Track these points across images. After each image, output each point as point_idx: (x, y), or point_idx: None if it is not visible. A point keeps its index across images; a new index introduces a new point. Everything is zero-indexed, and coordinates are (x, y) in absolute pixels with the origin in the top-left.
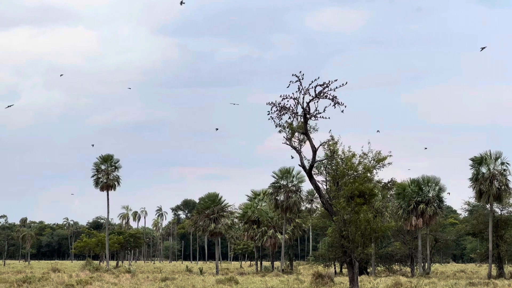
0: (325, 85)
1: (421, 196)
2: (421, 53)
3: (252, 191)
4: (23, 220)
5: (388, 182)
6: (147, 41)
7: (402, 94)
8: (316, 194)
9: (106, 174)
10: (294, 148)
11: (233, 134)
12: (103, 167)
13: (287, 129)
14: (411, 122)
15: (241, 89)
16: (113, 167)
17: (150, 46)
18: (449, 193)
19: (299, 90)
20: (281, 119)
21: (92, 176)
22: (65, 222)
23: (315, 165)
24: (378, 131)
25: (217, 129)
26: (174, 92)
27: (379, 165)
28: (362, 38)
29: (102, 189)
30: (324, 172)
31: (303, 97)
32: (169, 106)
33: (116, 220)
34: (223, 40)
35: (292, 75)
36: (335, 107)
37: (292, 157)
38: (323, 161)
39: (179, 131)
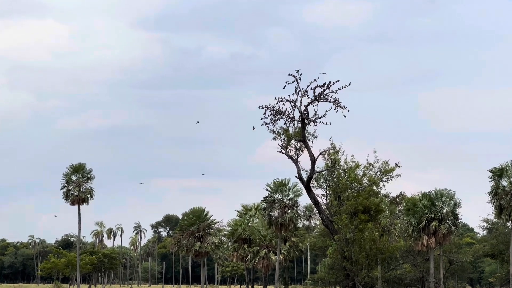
0: (325, 86)
1: (434, 212)
2: (434, 51)
3: (242, 206)
4: None
5: (397, 196)
6: (126, 36)
7: (412, 97)
8: (315, 209)
9: (77, 186)
10: (290, 157)
11: (221, 142)
12: (74, 178)
13: (283, 136)
14: (422, 129)
15: (231, 91)
16: (85, 178)
17: (129, 41)
18: None
19: (296, 92)
20: (276, 124)
21: (62, 188)
22: (30, 240)
23: (314, 177)
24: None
25: (198, 121)
26: (155, 93)
27: (386, 177)
28: (368, 33)
29: (72, 203)
30: (324, 184)
31: (301, 100)
32: (149, 109)
33: (89, 238)
34: (211, 35)
35: (289, 75)
36: (337, 111)
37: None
38: (323, 172)
39: (161, 138)
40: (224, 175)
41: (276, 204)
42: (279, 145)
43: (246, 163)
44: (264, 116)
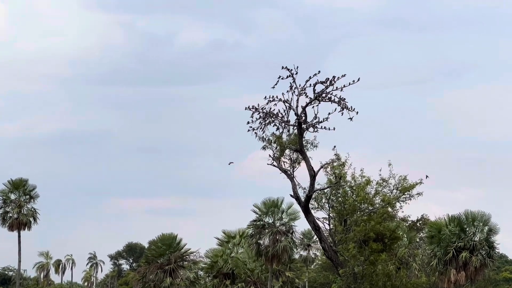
0: (328, 83)
1: (464, 240)
2: (464, 40)
3: (224, 233)
4: None
5: (417, 220)
6: (79, 19)
7: (438, 97)
8: (315, 236)
9: (17, 207)
10: (284, 171)
11: (198, 152)
12: (13, 196)
13: (274, 145)
14: (450, 136)
15: (211, 88)
16: (27, 197)
17: (83, 26)
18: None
19: (291, 89)
20: (266, 130)
21: None
22: None
23: (313, 196)
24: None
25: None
26: (116, 91)
27: (404, 196)
28: (381, 17)
29: (11, 228)
30: (327, 205)
31: (298, 100)
32: (109, 111)
33: (32, 272)
34: (186, 18)
35: (282, 68)
36: (342, 114)
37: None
38: (325, 190)
39: (123, 147)
40: (202, 194)
41: (267, 230)
42: (270, 156)
43: (228, 179)
44: (252, 120)
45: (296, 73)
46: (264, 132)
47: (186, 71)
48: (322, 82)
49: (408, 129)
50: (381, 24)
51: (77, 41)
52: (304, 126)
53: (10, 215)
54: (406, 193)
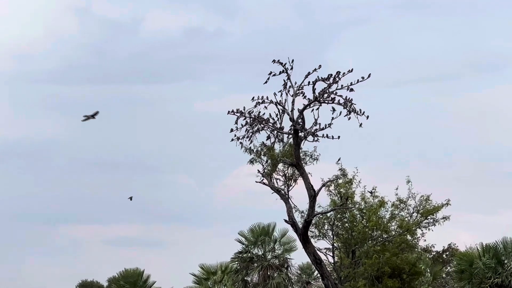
0: (332, 80)
1: (502, 275)
2: (500, 26)
3: (202, 267)
4: None
5: (443, 250)
6: (24, 3)
7: (468, 97)
8: (316, 271)
9: None
10: (277, 190)
11: (170, 168)
12: None
13: (265, 158)
14: (484, 146)
15: (186, 87)
16: None
17: (29, 12)
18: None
19: (285, 88)
20: (254, 139)
21: None
22: None
23: (314, 221)
24: None
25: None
26: (68, 91)
27: (427, 220)
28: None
29: None
30: (330, 233)
31: (293, 101)
32: (58, 116)
33: None
34: (155, 0)
35: (274, 62)
36: (349, 119)
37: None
38: (328, 214)
39: (76, 162)
40: (174, 220)
41: (255, 264)
42: (259, 171)
43: (207, 201)
44: (236, 127)
45: (291, 68)
46: (251, 142)
47: (155, 66)
48: (323, 80)
49: (431, 137)
50: (395, 7)
51: (20, 31)
52: (301, 134)
53: None
54: (429, 217)
